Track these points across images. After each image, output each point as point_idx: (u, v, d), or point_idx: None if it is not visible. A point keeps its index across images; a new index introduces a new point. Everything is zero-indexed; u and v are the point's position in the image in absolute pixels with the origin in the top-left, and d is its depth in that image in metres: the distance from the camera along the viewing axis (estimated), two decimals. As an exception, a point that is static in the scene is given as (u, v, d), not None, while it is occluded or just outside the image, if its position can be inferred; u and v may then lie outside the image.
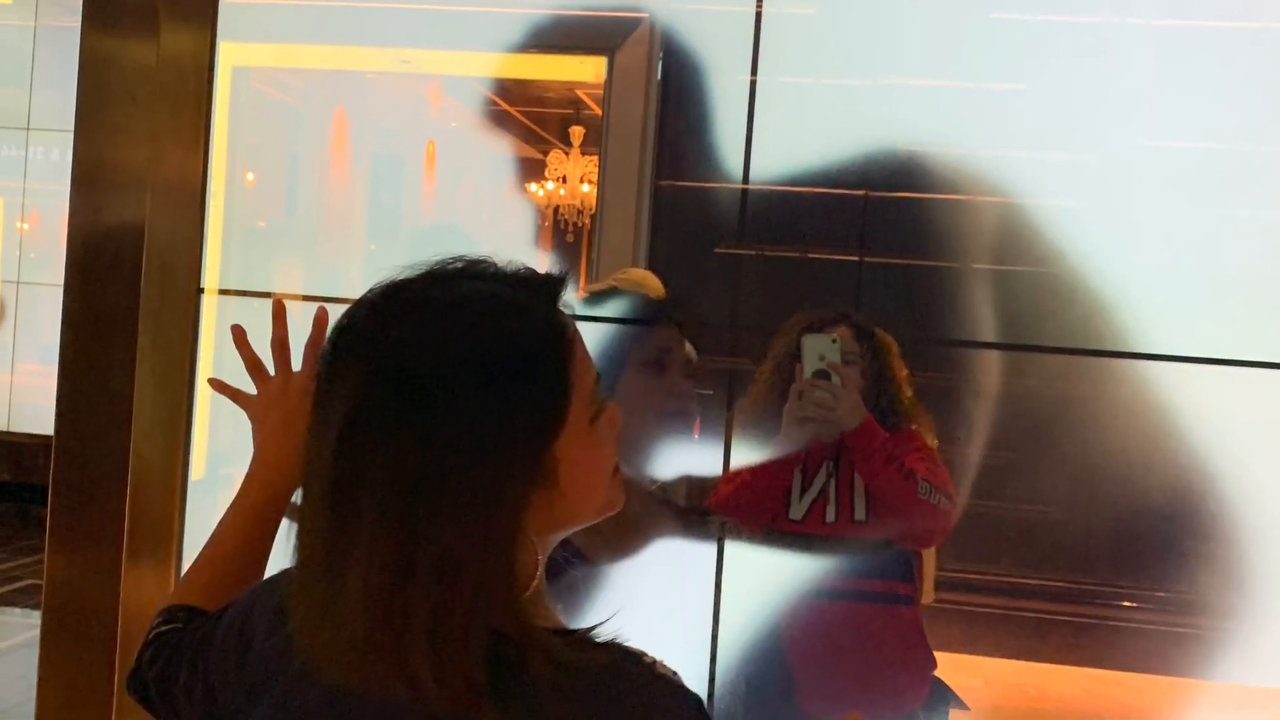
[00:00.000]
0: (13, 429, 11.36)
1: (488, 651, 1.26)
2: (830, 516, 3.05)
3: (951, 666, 3.22)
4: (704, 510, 3.03)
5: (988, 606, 6.76)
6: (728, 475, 3.06)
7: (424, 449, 1.26)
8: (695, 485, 3.01)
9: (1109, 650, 6.83)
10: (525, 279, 1.38)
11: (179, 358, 2.91)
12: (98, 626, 2.82)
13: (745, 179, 3.22)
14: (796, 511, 3.07)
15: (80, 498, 2.84)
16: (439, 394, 1.27)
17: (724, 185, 3.98)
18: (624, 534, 2.37)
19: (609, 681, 1.29)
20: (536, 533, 1.33)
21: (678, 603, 2.69)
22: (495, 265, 1.39)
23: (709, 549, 2.89)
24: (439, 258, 1.39)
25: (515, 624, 1.28)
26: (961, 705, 3.22)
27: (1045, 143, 3.38)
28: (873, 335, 3.12)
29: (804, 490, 3.07)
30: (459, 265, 1.38)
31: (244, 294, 3.07)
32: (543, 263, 1.41)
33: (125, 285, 2.83)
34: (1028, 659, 6.80)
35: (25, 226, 12.41)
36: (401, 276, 1.38)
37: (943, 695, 3.17)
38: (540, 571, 1.36)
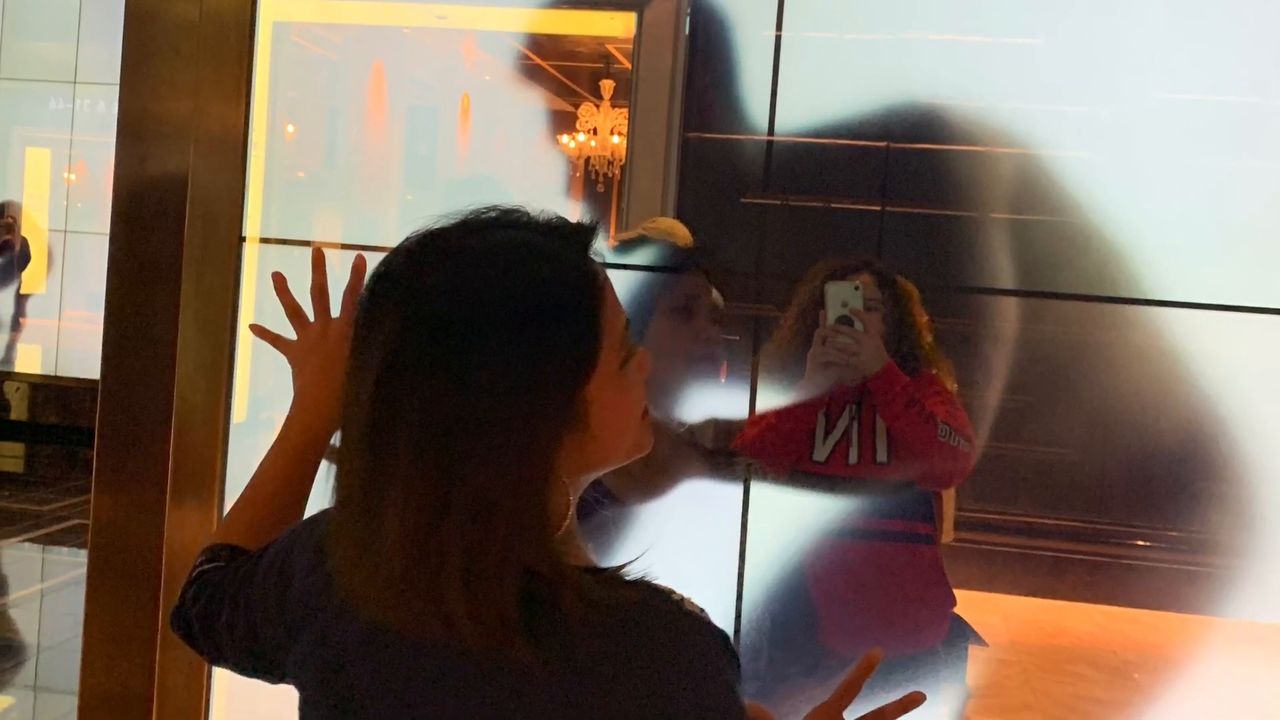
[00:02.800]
0: (60, 373, 11.35)
1: (521, 589, 1.28)
2: (853, 458, 3.07)
3: (971, 604, 3.24)
4: (730, 452, 3.04)
5: (1006, 545, 6.78)
6: (753, 418, 3.07)
7: (459, 392, 1.28)
8: (722, 428, 3.00)
9: (1123, 588, 6.85)
10: (557, 228, 1.40)
11: (221, 304, 2.90)
12: (142, 565, 2.84)
13: (770, 131, 3.22)
14: (820, 453, 3.09)
15: (125, 440, 2.86)
16: (474, 339, 1.29)
17: (750, 137, 3.99)
18: (653, 475, 2.41)
19: (638, 618, 1.32)
20: (568, 474, 1.36)
21: (705, 542, 2.72)
22: (528, 214, 1.40)
23: (735, 490, 2.90)
24: (474, 207, 1.41)
25: (547, 562, 1.30)
26: (980, 641, 3.24)
27: (1061, 96, 3.37)
28: (894, 282, 3.13)
29: (827, 433, 3.09)
30: (493, 214, 1.40)
31: (284, 242, 3.04)
32: (574, 212, 1.43)
33: (169, 234, 2.83)
34: (1044, 596, 6.82)
35: (72, 177, 12.44)
36: (437, 225, 1.39)
37: (962, 632, 3.18)
38: (571, 511, 1.38)
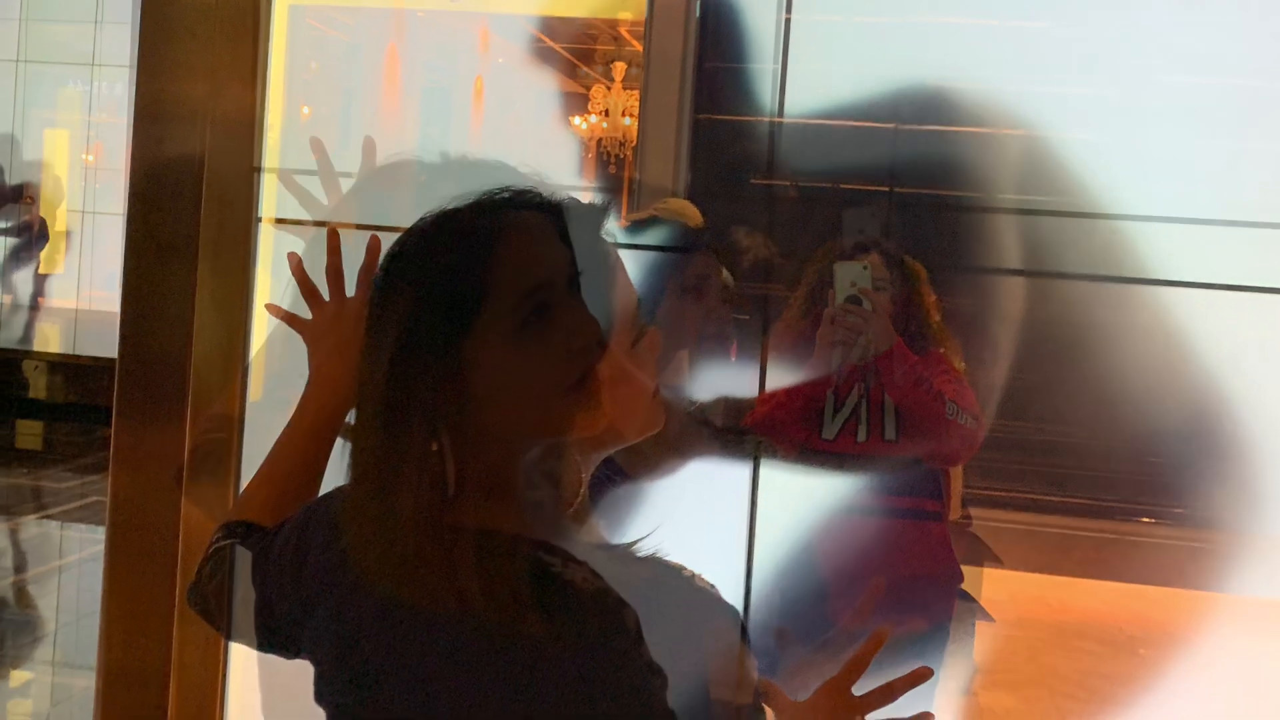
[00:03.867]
0: (78, 352, 11.42)
1: (533, 565, 1.29)
2: (861, 436, 3.10)
3: (978, 580, 3.28)
4: (740, 430, 3.07)
5: (1012, 522, 6.80)
6: (763, 396, 3.09)
7: (471, 371, 1.30)
8: (732, 406, 3.01)
9: (1129, 564, 6.86)
10: (569, 208, 1.42)
11: (237, 284, 2.90)
12: (160, 542, 2.78)
13: (780, 113, 3.24)
14: (829, 431, 3.12)
15: (142, 418, 2.93)
16: (486, 318, 1.31)
17: (760, 119, 4.01)
18: (664, 453, 2.41)
19: (650, 594, 1.32)
20: (580, 451, 1.39)
21: (715, 519, 2.74)
22: (540, 195, 1.42)
23: (745, 467, 2.91)
24: (486, 188, 1.42)
25: (560, 539, 1.32)
26: (987, 617, 3.27)
27: (1067, 78, 3.40)
28: (902, 262, 3.15)
29: (836, 411, 3.12)
30: (506, 195, 1.41)
31: (300, 223, 3.10)
32: (586, 193, 1.45)
33: (186, 214, 2.82)
34: (1051, 573, 6.83)
35: (91, 158, 12.50)
36: (451, 206, 1.41)
37: (969, 608, 3.22)
38: (584, 489, 1.42)
